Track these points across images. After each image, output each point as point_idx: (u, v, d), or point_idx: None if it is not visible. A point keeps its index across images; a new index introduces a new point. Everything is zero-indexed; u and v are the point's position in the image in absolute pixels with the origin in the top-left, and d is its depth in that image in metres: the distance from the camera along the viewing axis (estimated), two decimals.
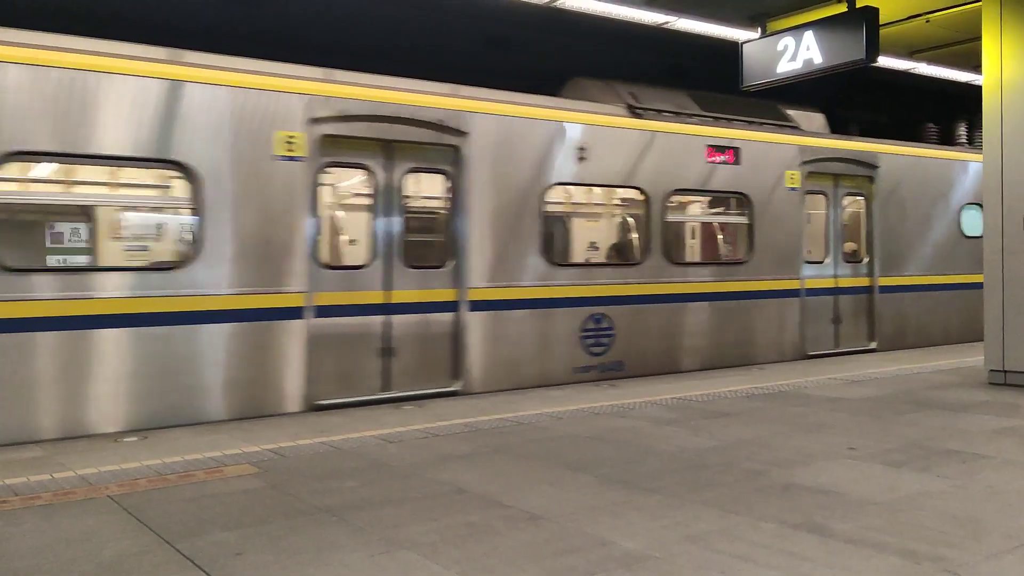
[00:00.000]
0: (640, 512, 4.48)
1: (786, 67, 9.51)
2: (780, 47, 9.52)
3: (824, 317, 11.67)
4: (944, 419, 6.98)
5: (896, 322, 12.40)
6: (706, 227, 11.77)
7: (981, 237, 9.43)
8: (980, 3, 9.11)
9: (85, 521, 4.39)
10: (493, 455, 5.83)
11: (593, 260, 10.73)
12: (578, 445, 6.14)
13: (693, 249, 11.79)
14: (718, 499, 4.70)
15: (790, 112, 11.71)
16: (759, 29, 10.11)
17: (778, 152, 11.10)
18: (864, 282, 12.11)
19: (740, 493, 4.82)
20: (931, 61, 11.87)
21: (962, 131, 14.43)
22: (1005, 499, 4.66)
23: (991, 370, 8.88)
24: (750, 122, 11.03)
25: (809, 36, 9.27)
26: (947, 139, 14.12)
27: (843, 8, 9.39)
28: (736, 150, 10.68)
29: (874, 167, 12.11)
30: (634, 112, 10.00)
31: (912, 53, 11.60)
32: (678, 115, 10.39)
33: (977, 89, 9.55)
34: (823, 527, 4.18)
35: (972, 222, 13.25)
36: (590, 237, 11.01)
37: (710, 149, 10.44)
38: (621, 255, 10.42)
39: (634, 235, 10.18)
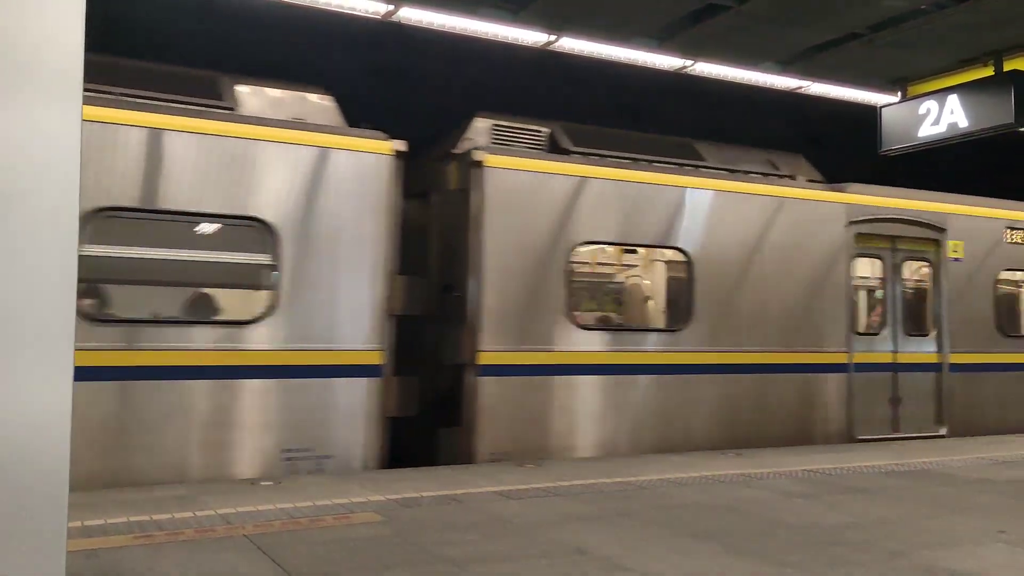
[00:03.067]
0: None
1: (928, 131, 9.25)
2: (922, 111, 9.27)
3: None
4: None
5: None
6: None
7: None
8: None
9: (223, 557, 4.61)
10: (615, 518, 5.75)
11: None
12: (703, 513, 5.97)
13: None
14: None
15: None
16: (899, 93, 9.87)
17: None
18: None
19: (878, 573, 4.56)
20: None
21: None
22: None
23: None
24: None
25: (953, 100, 9.00)
26: None
27: (990, 72, 9.09)
28: None
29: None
30: None
31: None
32: None
33: None
34: None
35: None
36: None
37: None
38: None
39: None
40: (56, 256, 2.98)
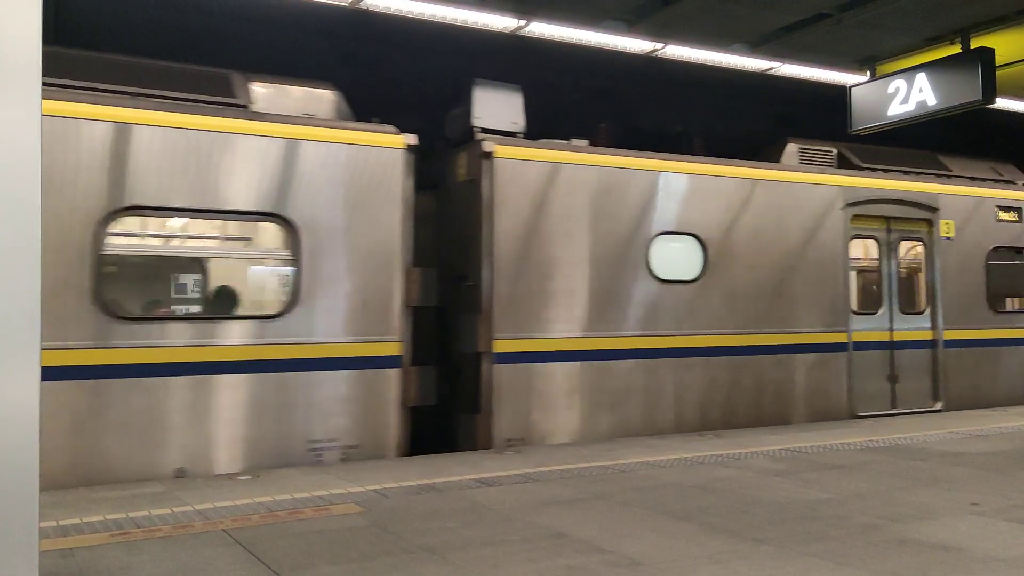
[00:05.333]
0: (745, 562, 4.35)
1: (897, 110, 9.29)
2: (891, 90, 9.32)
3: None
4: None
5: None
6: None
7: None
8: None
9: (201, 552, 4.59)
10: (593, 501, 5.79)
11: None
12: (681, 494, 6.03)
13: None
14: (829, 552, 4.52)
15: None
16: (868, 72, 9.93)
17: None
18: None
19: (853, 547, 4.62)
20: None
21: None
22: None
23: None
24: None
25: (922, 78, 9.05)
26: None
27: (957, 49, 9.15)
28: None
29: None
30: None
31: None
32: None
33: None
34: None
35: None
36: None
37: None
38: None
39: None
40: (20, 254, 2.94)
